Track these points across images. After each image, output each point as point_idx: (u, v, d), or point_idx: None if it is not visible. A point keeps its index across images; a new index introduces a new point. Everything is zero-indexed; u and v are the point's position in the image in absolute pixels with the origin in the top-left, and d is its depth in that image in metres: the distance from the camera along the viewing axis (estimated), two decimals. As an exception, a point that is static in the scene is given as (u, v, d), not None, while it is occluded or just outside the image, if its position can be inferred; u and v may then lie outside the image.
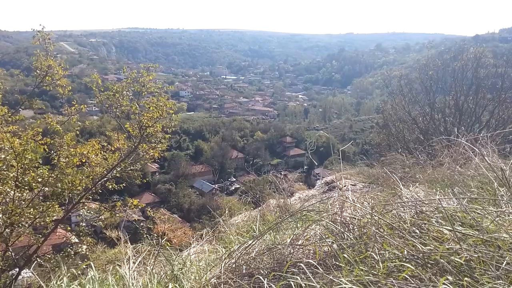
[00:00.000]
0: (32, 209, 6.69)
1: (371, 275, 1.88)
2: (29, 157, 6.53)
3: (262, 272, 2.37)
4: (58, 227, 7.64)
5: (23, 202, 6.72)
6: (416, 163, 5.83)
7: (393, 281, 1.80)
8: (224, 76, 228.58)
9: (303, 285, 1.94)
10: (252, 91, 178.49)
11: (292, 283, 1.99)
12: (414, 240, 2.09)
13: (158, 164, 64.38)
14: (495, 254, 1.85)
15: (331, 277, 1.93)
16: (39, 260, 6.91)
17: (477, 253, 1.90)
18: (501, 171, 2.54)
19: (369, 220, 2.45)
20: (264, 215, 4.80)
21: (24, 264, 6.75)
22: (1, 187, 6.46)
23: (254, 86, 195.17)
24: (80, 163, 7.41)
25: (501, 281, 1.72)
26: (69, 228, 8.63)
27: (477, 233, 2.08)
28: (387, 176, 5.07)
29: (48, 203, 6.96)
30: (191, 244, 4.02)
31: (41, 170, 6.87)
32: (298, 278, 1.98)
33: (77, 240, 7.97)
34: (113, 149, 7.91)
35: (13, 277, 6.62)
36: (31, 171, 6.71)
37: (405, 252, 2.02)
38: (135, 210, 8.50)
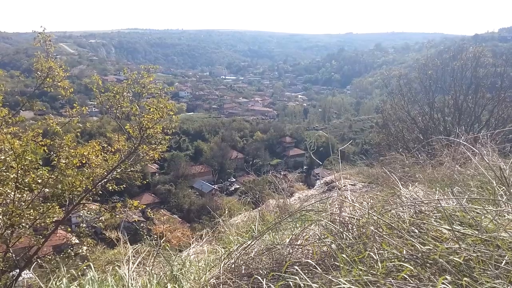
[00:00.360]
0: (32, 210, 6.68)
1: (370, 275, 1.89)
2: (29, 158, 6.52)
3: (261, 272, 2.38)
4: (59, 228, 7.64)
5: (23, 203, 6.72)
6: (416, 163, 5.83)
7: (392, 281, 1.80)
8: (224, 77, 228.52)
9: (302, 285, 1.95)
10: (251, 91, 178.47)
11: (291, 283, 1.99)
12: (413, 240, 2.09)
13: (158, 165, 64.33)
14: (494, 254, 1.85)
15: (330, 277, 1.94)
16: (39, 261, 6.91)
17: (476, 252, 1.90)
18: (500, 170, 2.54)
19: (368, 220, 2.45)
20: (263, 215, 4.80)
21: (24, 265, 6.75)
22: (1, 189, 6.46)
23: (254, 87, 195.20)
24: (80, 164, 7.42)
25: (500, 281, 1.72)
26: (69, 229, 8.63)
27: (476, 232, 2.09)
28: (386, 176, 5.07)
29: (48, 204, 6.96)
30: (190, 244, 4.03)
31: (41, 171, 6.87)
32: (297, 278, 1.98)
33: (77, 241, 7.98)
34: (113, 150, 7.92)
35: (14, 278, 6.62)
36: (31, 172, 6.71)
37: (404, 252, 2.02)
38: (135, 211, 8.50)
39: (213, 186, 64.90)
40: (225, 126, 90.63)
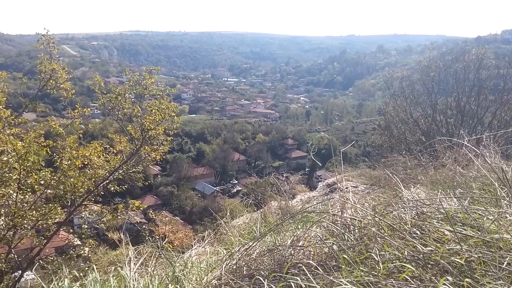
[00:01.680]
0: (34, 212, 6.70)
1: (371, 276, 1.89)
2: (32, 159, 6.55)
3: (263, 273, 2.38)
4: (61, 229, 7.65)
5: (26, 205, 6.74)
6: (418, 165, 5.82)
7: (393, 281, 1.80)
8: (226, 79, 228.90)
9: (303, 286, 1.95)
10: (253, 93, 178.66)
11: (292, 284, 1.99)
12: (415, 241, 2.09)
13: (160, 167, 64.46)
14: (496, 255, 1.85)
15: (331, 278, 1.94)
16: (41, 262, 6.93)
17: (478, 253, 1.90)
18: (502, 172, 2.54)
19: (370, 221, 2.45)
20: (265, 217, 4.80)
21: (26, 267, 6.76)
22: (4, 190, 6.48)
23: (256, 89, 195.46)
24: (82, 165, 7.44)
25: (501, 282, 1.72)
26: (71, 231, 8.65)
27: (478, 233, 2.08)
28: (388, 178, 5.07)
29: (50, 205, 6.98)
30: (192, 246, 4.03)
31: (43, 173, 6.89)
32: (298, 279, 1.98)
33: (79, 242, 7.99)
34: (115, 151, 7.94)
35: (16, 279, 6.63)
36: (34, 174, 6.73)
37: (406, 253, 2.02)
38: (137, 213, 8.52)
39: (215, 188, 64.94)
40: (227, 128, 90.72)
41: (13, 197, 6.54)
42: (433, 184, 4.02)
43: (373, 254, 2.05)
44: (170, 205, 56.80)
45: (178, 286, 2.70)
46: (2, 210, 6.49)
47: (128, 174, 7.78)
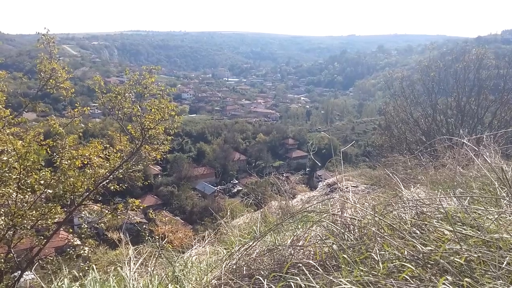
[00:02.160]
0: (34, 211, 6.70)
1: (371, 275, 1.88)
2: (32, 159, 6.55)
3: (263, 273, 2.37)
4: (61, 229, 7.65)
5: (26, 204, 6.74)
6: (418, 165, 5.82)
7: (393, 281, 1.80)
8: (226, 79, 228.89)
9: (303, 285, 1.95)
10: (254, 93, 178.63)
11: (292, 284, 1.99)
12: (415, 241, 2.08)
13: (161, 167, 64.46)
14: (495, 255, 1.85)
15: (331, 278, 1.94)
16: (41, 262, 6.92)
17: (478, 253, 1.90)
18: (502, 172, 2.53)
19: (370, 221, 2.45)
20: (265, 217, 4.80)
21: (26, 266, 6.76)
22: (4, 189, 6.48)
23: (256, 88, 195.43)
24: (82, 165, 7.43)
25: (501, 281, 1.71)
26: (71, 230, 8.65)
27: (477, 233, 2.08)
28: (389, 178, 5.06)
29: (50, 205, 6.98)
30: (192, 245, 4.03)
31: (43, 172, 6.89)
32: (298, 279, 1.98)
33: (79, 242, 7.99)
34: (115, 150, 7.94)
35: (15, 279, 6.63)
36: (34, 173, 6.73)
37: (405, 253, 2.02)
38: (137, 213, 8.52)
39: (215, 187, 64.96)
40: (228, 128, 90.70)
41: (13, 196, 6.54)
42: (433, 184, 4.02)
43: (373, 254, 2.05)
44: (170, 205, 56.79)
45: (178, 286, 2.70)
46: (2, 209, 6.49)
47: (128, 174, 7.78)
